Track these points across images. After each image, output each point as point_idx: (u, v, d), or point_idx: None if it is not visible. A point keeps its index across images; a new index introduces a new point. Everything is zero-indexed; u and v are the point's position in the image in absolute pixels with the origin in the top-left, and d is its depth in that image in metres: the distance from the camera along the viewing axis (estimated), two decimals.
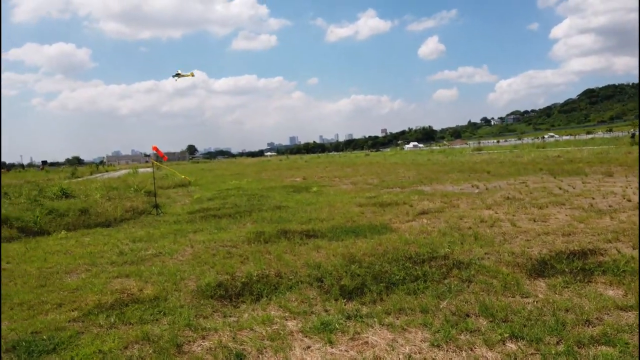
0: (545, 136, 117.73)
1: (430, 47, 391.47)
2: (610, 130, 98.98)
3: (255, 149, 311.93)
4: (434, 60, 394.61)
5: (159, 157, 15.76)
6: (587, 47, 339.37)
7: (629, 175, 14.80)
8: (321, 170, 32.79)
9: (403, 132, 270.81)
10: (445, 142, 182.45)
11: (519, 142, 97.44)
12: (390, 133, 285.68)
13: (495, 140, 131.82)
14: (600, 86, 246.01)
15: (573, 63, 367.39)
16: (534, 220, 8.27)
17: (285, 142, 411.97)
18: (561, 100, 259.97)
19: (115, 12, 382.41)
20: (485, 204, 10.55)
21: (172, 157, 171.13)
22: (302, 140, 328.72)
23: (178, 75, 19.37)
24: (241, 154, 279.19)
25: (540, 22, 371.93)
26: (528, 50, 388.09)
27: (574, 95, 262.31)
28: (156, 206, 13.37)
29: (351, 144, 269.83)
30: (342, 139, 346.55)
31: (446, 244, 6.84)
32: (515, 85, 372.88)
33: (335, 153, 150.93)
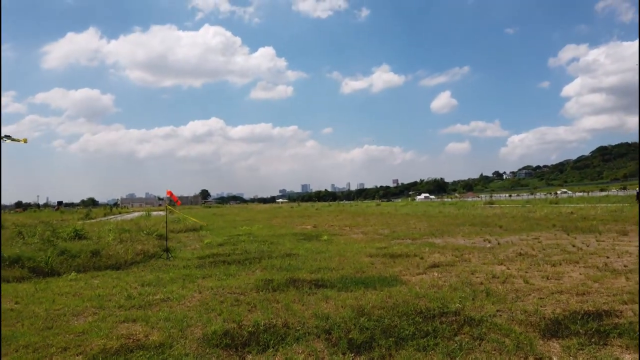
0: (558, 192, 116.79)
1: (443, 101, 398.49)
2: (625, 189, 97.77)
3: (268, 195, 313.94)
4: (446, 114, 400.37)
5: (173, 202, 15.95)
6: (599, 106, 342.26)
7: None
8: (332, 219, 32.75)
9: (415, 183, 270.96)
10: (457, 195, 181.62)
11: (531, 197, 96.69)
12: (402, 184, 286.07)
13: (507, 195, 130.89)
14: (614, 144, 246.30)
15: (585, 121, 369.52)
16: (547, 278, 8.11)
17: (297, 189, 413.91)
18: (574, 157, 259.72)
19: (141, 61, 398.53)
20: (498, 259, 10.40)
21: (184, 201, 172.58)
22: (314, 188, 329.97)
23: (8, 137, 18.16)
24: (253, 200, 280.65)
25: (552, 80, 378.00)
26: (539, 107, 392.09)
27: (586, 152, 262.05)
28: (167, 250, 13.41)
29: (362, 194, 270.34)
30: (353, 188, 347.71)
31: (457, 299, 6.72)
32: (527, 141, 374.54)
33: (347, 202, 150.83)
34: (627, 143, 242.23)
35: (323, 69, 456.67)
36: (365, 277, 8.85)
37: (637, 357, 4.39)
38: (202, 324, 5.93)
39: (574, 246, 12.24)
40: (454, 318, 5.80)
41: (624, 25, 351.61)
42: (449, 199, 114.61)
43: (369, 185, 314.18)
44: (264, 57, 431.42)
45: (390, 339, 5.04)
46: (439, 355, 4.57)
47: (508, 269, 9.23)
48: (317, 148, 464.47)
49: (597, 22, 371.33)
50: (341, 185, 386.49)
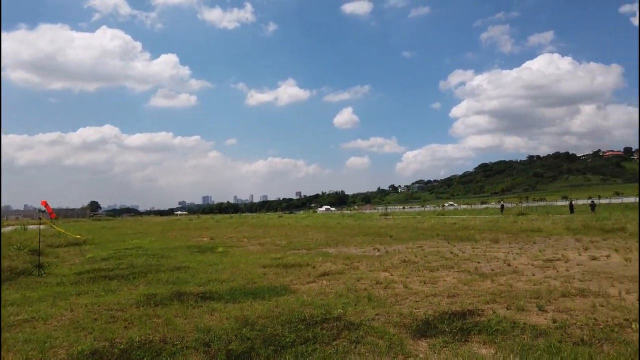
0: (446, 204, 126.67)
1: (345, 117, 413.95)
2: (500, 201, 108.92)
3: (166, 207, 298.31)
4: (348, 129, 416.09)
5: (48, 214, 14.50)
6: (482, 127, 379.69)
7: (512, 242, 16.25)
8: (231, 231, 32.14)
9: (317, 196, 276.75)
10: (356, 207, 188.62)
11: (422, 209, 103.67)
12: (305, 196, 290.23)
13: (401, 207, 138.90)
14: (493, 161, 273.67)
15: (470, 140, 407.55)
16: (425, 283, 8.70)
17: (198, 201, 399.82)
18: (460, 172, 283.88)
19: (26, 61, 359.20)
20: (383, 266, 10.93)
21: (71, 213, 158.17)
22: (216, 200, 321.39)
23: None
24: (149, 212, 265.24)
25: (442, 102, 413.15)
26: (432, 126, 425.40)
27: (470, 168, 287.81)
28: (39, 266, 12.14)
29: (265, 206, 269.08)
30: (256, 200, 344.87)
31: (341, 305, 6.92)
32: (420, 157, 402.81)
33: (250, 214, 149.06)
34: (504, 161, 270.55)
35: (228, 80, 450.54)
36: (256, 287, 8.78)
37: (493, 352, 4.84)
38: (69, 344, 5.43)
39: (451, 253, 13.29)
40: (335, 324, 5.96)
41: (503, 55, 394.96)
42: (348, 211, 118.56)
43: (272, 197, 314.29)
44: (167, 64, 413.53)
45: (270, 348, 5.04)
46: None
47: (391, 275, 9.74)
48: (220, 159, 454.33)
49: (482, 51, 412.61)
50: (244, 197, 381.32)
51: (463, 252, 13.42)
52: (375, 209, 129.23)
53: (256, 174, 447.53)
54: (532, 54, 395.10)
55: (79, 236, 22.36)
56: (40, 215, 16.22)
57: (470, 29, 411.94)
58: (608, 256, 11.55)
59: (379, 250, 14.85)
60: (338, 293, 7.89)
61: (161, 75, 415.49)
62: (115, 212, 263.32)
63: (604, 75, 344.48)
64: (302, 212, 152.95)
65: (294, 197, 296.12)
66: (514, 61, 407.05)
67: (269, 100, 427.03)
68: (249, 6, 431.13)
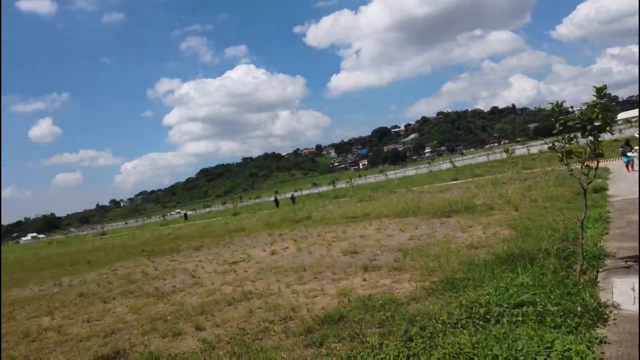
0: (173, 212, 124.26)
1: (44, 129, 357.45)
2: (224, 203, 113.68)
3: None
4: (49, 143, 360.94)
5: None
6: (197, 134, 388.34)
7: (213, 247, 16.42)
8: None
9: (19, 223, 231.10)
10: (72, 229, 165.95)
11: (148, 220, 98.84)
12: (3, 225, 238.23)
13: (124, 222, 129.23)
14: (213, 166, 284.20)
15: (188, 146, 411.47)
16: (88, 322, 7.50)
17: None
18: (183, 179, 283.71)
19: None
20: (50, 308, 9.16)
21: None
22: None
23: None
24: None
25: (153, 110, 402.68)
26: (147, 134, 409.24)
27: (193, 174, 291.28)
28: None
29: None
30: None
31: None
32: (140, 167, 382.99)
33: None
34: (222, 164, 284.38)
35: None
36: None
37: None
38: None
39: (143, 272, 12.35)
40: None
41: (205, 65, 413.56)
42: (60, 236, 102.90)
43: None
44: None
45: None
46: None
47: (53, 318, 8.14)
48: None
49: (185, 60, 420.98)
50: None
51: (156, 269, 12.65)
52: (94, 229, 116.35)
53: None
54: (230, 65, 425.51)
55: None
56: None
57: (169, 38, 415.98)
58: (286, 248, 12.68)
59: (60, 285, 12.65)
60: None
61: None
62: None
63: (293, 85, 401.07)
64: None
65: None
66: (215, 70, 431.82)
67: None
68: None
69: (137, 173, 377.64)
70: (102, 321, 7.39)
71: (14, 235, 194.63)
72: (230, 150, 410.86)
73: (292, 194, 53.30)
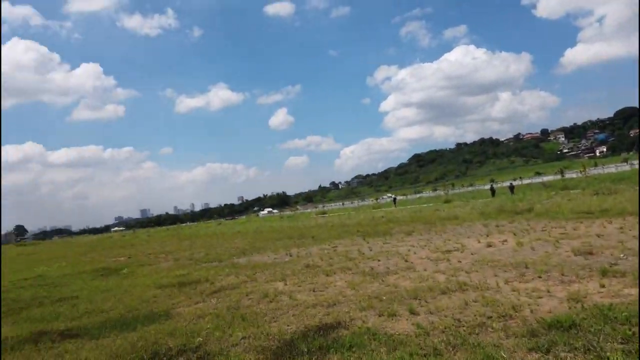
0: (385, 197, 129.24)
1: (280, 118, 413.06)
2: (435, 190, 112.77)
3: (102, 224, 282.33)
4: (284, 130, 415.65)
5: None
6: (411, 119, 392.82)
7: (424, 233, 16.41)
8: (156, 246, 30.57)
9: (259, 199, 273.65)
10: (298, 207, 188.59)
11: (363, 203, 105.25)
12: (247, 200, 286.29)
13: (341, 203, 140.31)
14: (425, 151, 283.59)
15: (402, 132, 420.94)
16: (313, 291, 8.33)
17: (137, 215, 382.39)
18: (396, 165, 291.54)
19: None
20: (283, 275, 10.50)
21: None
22: (155, 212, 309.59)
23: None
24: (84, 231, 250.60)
25: (371, 97, 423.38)
26: (364, 121, 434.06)
27: (405, 159, 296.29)
28: None
29: (207, 213, 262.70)
30: (198, 208, 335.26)
31: (210, 329, 6.37)
32: (357, 152, 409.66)
33: (192, 223, 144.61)
34: (435, 150, 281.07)
35: (156, 87, 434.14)
36: (133, 316, 8.03)
37: None
38: None
39: (359, 251, 13.10)
40: (190, 355, 5.40)
41: (423, 49, 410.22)
42: (290, 212, 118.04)
43: (214, 204, 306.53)
44: (89, 74, 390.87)
45: None
46: None
47: (285, 285, 9.31)
48: (156, 170, 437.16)
49: (403, 46, 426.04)
50: (185, 206, 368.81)
51: (371, 250, 13.28)
52: (317, 207, 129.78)
53: (195, 182, 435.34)
54: (448, 47, 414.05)
55: None
56: None
57: (390, 26, 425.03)
58: (505, 241, 11.78)
59: (291, 255, 14.43)
60: (216, 314, 7.33)
61: (83, 87, 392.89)
62: (46, 235, 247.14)
63: (516, 64, 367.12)
64: (244, 217, 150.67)
65: (236, 202, 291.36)
66: (433, 54, 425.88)
67: (200, 105, 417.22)
68: (170, 12, 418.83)
69: (354, 157, 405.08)
70: (324, 292, 8.14)
71: (255, 209, 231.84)
72: (444, 135, 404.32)
73: (511, 183, 49.43)
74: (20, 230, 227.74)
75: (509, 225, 15.83)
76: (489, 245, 11.37)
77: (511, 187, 43.92)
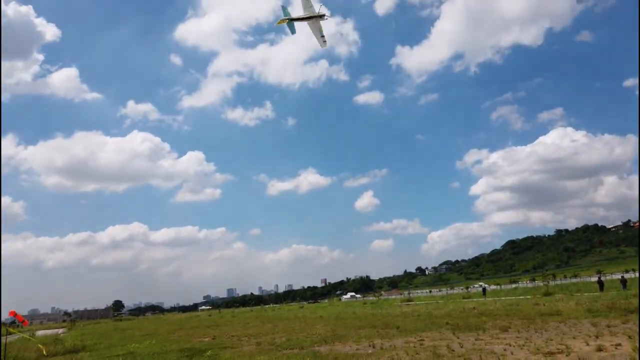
0: (477, 285, 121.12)
1: (366, 201, 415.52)
2: (534, 280, 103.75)
3: (190, 302, 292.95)
4: (369, 212, 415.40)
5: (19, 322, 14.11)
6: (504, 203, 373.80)
7: (523, 330, 14.93)
8: (240, 327, 30.83)
9: (342, 282, 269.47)
10: (382, 292, 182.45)
11: (451, 291, 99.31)
12: (329, 283, 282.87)
13: (428, 290, 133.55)
14: (521, 237, 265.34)
15: (494, 216, 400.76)
16: None
17: (223, 294, 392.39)
18: (488, 251, 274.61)
19: (59, 167, 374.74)
20: None
21: (94, 314, 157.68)
22: (241, 292, 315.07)
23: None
24: (174, 308, 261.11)
25: (460, 181, 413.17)
26: (453, 205, 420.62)
27: (498, 245, 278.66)
28: None
29: (290, 295, 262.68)
30: (281, 289, 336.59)
31: None
32: (445, 237, 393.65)
33: (275, 305, 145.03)
34: (532, 236, 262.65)
35: (251, 172, 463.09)
36: None
37: None
38: None
39: (448, 347, 12.15)
40: None
41: (515, 133, 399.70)
42: (373, 298, 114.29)
43: (297, 286, 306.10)
44: (192, 161, 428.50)
45: None
46: None
47: None
48: (244, 250, 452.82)
49: (493, 130, 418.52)
50: (269, 287, 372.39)
51: (461, 347, 12.26)
52: (402, 294, 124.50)
53: (280, 263, 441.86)
54: (544, 130, 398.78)
55: (40, 346, 21.02)
56: (4, 325, 15.80)
57: (479, 110, 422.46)
58: (618, 345, 10.34)
59: (374, 347, 13.75)
60: None
61: (187, 172, 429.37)
62: (140, 311, 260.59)
63: (622, 146, 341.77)
64: (326, 300, 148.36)
65: (319, 284, 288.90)
66: (526, 137, 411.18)
67: (289, 189, 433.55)
68: (268, 104, 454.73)
69: (442, 242, 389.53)
70: None
71: (337, 292, 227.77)
72: (541, 221, 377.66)
73: (623, 276, 44.23)
74: (117, 305, 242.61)
75: (622, 325, 13.95)
76: (600, 349, 10.02)
77: (623, 281, 39.13)
